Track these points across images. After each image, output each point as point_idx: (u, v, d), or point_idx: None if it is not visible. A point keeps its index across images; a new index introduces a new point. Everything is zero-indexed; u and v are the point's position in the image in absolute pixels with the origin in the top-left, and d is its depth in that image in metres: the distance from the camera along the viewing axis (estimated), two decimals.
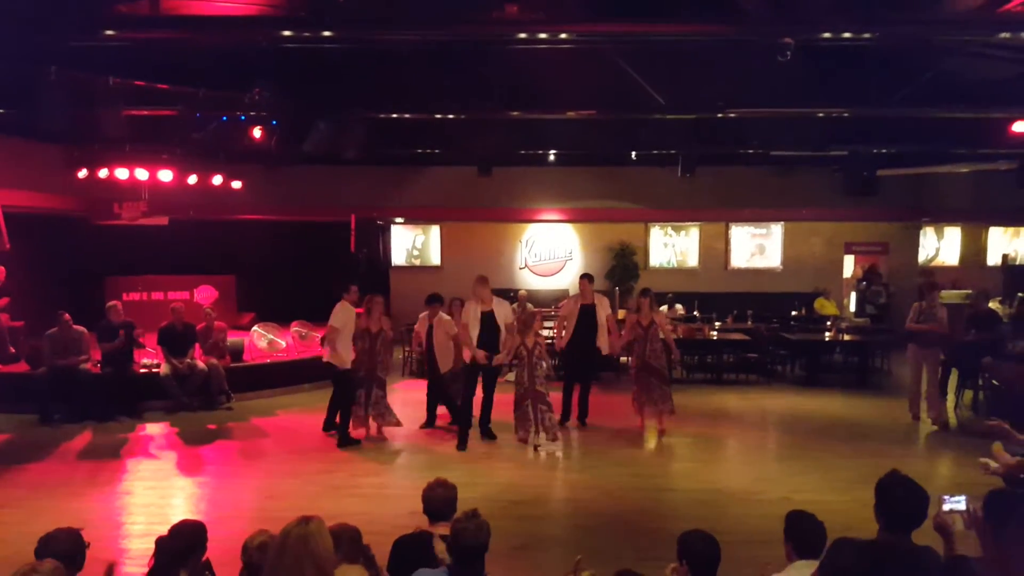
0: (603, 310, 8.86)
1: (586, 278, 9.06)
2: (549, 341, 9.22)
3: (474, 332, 8.12)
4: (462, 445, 8.07)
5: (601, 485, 6.94)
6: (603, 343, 8.85)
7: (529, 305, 13.53)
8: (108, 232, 12.84)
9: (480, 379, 8.31)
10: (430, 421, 9.00)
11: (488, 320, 8.18)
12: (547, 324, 12.84)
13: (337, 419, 8.41)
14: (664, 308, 12.82)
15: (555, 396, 8.56)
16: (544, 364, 8.20)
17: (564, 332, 8.91)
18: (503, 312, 8.32)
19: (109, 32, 6.16)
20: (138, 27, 6.40)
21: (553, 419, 8.15)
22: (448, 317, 8.77)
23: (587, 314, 8.80)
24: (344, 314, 8.22)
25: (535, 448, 8.05)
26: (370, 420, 8.42)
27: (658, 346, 8.63)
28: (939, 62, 8.16)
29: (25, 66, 7.26)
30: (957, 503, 3.13)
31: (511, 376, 9.22)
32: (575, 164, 14.90)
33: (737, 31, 6.10)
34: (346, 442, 8.15)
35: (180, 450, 8.14)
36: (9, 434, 8.58)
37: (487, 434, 8.39)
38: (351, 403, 8.27)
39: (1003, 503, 3.04)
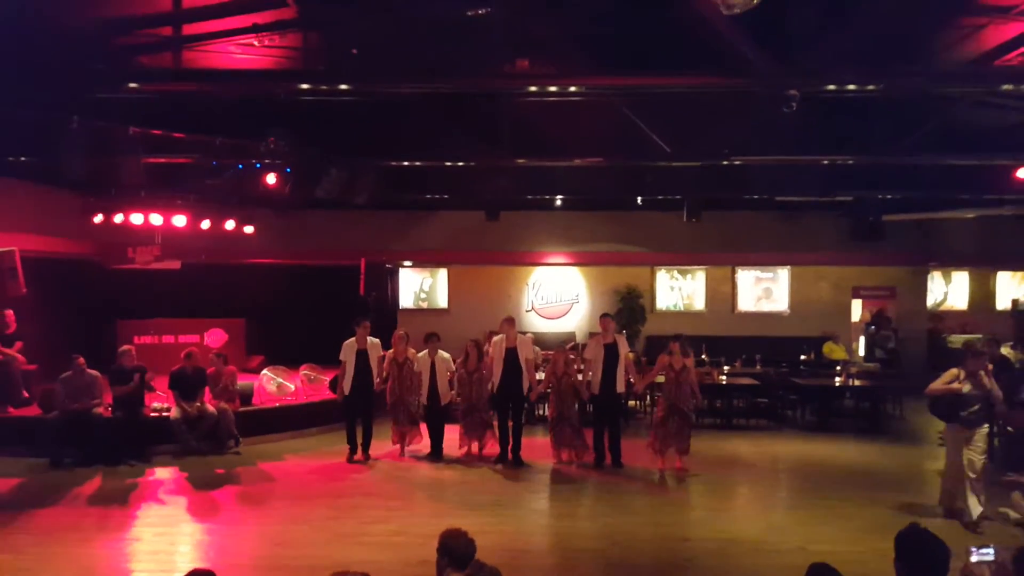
0: (623, 347, 9.06)
1: (608, 317, 9.38)
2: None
3: (498, 368, 9.13)
4: (516, 461, 9.15)
5: (611, 535, 6.87)
6: (622, 382, 9.00)
7: (537, 349, 13.57)
8: (121, 276, 13.00)
9: (510, 409, 9.16)
10: (436, 453, 9.50)
11: (510, 356, 9.10)
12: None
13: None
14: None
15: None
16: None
17: (593, 376, 9.05)
18: (526, 350, 9.18)
19: (133, 84, 6.36)
20: (161, 80, 6.61)
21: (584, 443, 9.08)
22: (447, 354, 9.65)
23: (611, 353, 8.96)
24: (347, 348, 9.32)
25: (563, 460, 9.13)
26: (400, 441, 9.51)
27: (687, 390, 8.79)
28: (944, 110, 8.29)
29: (48, 115, 7.46)
30: (985, 554, 3.08)
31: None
32: (581, 208, 15.05)
33: (743, 83, 6.24)
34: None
35: (189, 495, 8.10)
36: (20, 478, 8.55)
37: (518, 462, 9.11)
38: (349, 429, 9.39)
39: None
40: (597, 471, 8.96)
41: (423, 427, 9.61)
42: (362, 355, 9.30)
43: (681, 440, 8.81)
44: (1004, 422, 9.39)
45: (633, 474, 8.81)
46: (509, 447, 9.23)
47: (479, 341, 9.71)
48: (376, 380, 9.36)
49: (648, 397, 12.09)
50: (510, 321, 9.36)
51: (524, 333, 14.04)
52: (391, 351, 9.48)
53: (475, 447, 9.57)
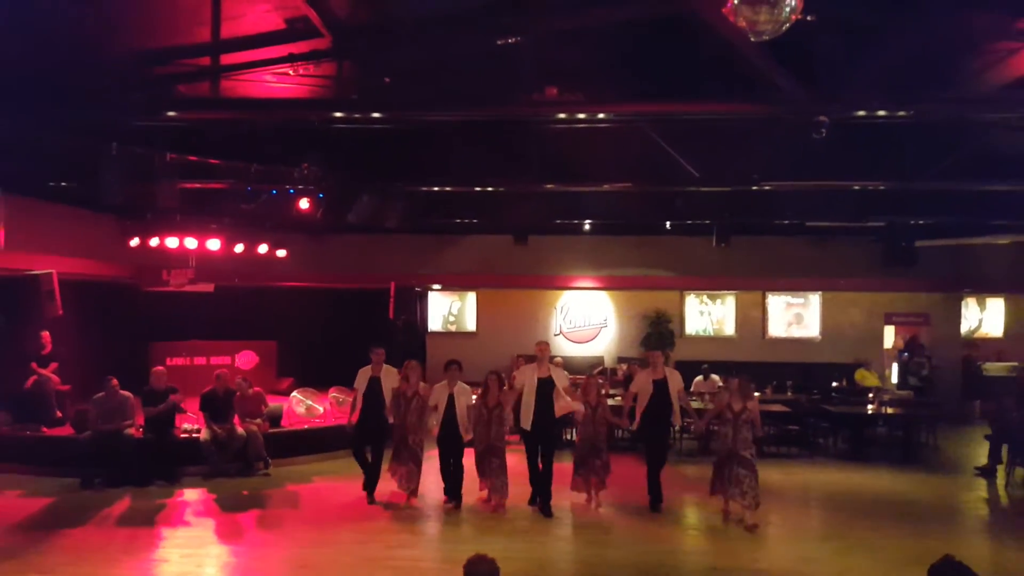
0: (675, 385, 8.54)
1: (659, 352, 9.00)
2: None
3: (530, 399, 8.24)
4: (545, 510, 8.23)
5: (639, 563, 6.77)
6: (677, 418, 8.67)
7: (565, 373, 13.51)
8: (156, 298, 13.23)
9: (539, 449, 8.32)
10: (454, 494, 8.48)
11: (544, 387, 8.27)
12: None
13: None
14: (700, 378, 12.68)
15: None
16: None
17: (636, 408, 8.57)
18: (560, 376, 8.45)
19: (171, 113, 6.55)
20: (199, 108, 6.79)
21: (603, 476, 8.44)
22: (467, 386, 8.57)
23: (661, 390, 8.47)
24: (361, 376, 8.78)
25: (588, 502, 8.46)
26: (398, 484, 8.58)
27: (747, 435, 7.94)
28: (977, 135, 8.20)
29: (88, 142, 7.69)
30: None
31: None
32: (610, 233, 15.06)
33: (772, 110, 6.25)
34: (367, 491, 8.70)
35: (216, 517, 8.16)
36: (51, 498, 8.69)
37: (547, 512, 8.19)
38: (357, 457, 8.75)
39: None
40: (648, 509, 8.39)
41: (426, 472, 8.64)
42: (374, 383, 8.64)
43: (751, 493, 7.77)
44: None
45: (669, 505, 8.56)
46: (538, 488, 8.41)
47: (500, 374, 8.64)
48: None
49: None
50: (543, 346, 8.51)
51: (553, 358, 14.14)
52: (400, 383, 8.61)
53: (495, 499, 8.33)
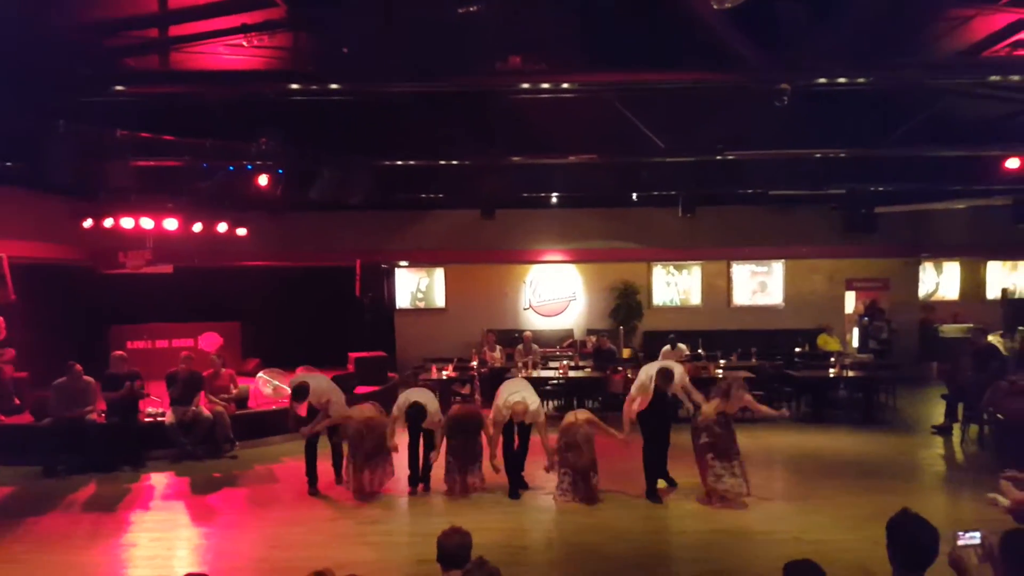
0: (678, 380, 7.88)
1: (669, 343, 8.74)
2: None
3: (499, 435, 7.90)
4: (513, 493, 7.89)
5: (611, 528, 6.88)
6: (688, 403, 8.05)
7: (535, 346, 13.58)
8: (113, 281, 12.91)
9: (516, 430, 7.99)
10: (419, 479, 8.18)
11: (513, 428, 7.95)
12: (552, 365, 12.92)
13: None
14: (667, 348, 12.79)
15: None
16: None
17: (638, 400, 7.88)
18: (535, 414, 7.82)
19: (119, 87, 6.31)
20: (148, 82, 6.56)
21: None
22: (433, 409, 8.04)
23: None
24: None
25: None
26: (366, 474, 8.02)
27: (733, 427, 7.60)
28: (933, 102, 8.32)
29: (33, 119, 7.39)
30: (972, 538, 3.17)
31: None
32: (577, 205, 15.05)
33: (735, 78, 6.25)
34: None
35: (185, 500, 8.07)
36: (12, 487, 8.50)
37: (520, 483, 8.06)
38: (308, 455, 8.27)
39: (1020, 543, 3.07)
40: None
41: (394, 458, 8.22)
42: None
43: (728, 479, 7.47)
44: (995, 410, 9.45)
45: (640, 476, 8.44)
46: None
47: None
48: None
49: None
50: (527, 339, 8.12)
51: (523, 332, 14.20)
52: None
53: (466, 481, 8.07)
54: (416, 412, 7.86)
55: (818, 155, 9.67)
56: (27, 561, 6.25)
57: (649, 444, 7.91)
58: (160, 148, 8.81)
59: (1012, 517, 4.16)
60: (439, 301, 16.44)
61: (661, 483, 8.06)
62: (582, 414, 7.92)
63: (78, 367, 9.23)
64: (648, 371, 7.88)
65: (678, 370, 7.96)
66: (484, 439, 8.07)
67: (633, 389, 8.03)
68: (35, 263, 11.54)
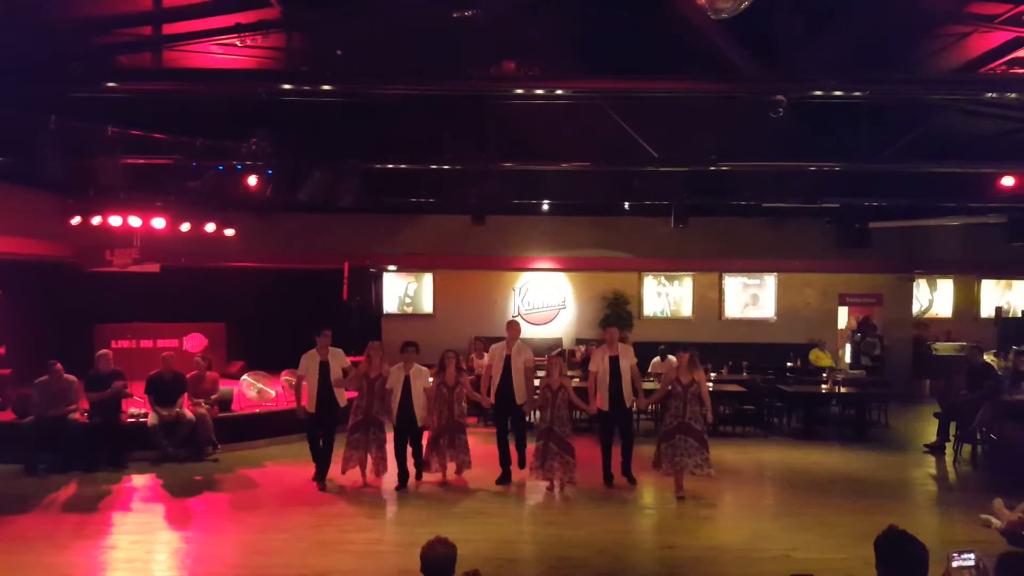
0: (627, 360, 8.40)
1: (612, 327, 8.93)
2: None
3: (497, 377, 8.50)
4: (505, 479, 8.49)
5: (597, 543, 6.78)
6: (628, 395, 8.40)
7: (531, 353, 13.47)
8: (99, 279, 12.78)
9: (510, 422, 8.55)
10: (404, 482, 8.36)
11: (508, 364, 8.50)
12: (539, 373, 12.80)
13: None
14: (657, 359, 12.75)
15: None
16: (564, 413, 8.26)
17: (600, 391, 8.38)
18: (523, 357, 8.54)
19: (111, 84, 6.24)
20: (140, 79, 6.49)
21: (570, 462, 8.13)
22: (424, 368, 8.52)
23: (616, 366, 8.37)
24: (306, 360, 8.52)
25: (549, 489, 8.24)
26: (368, 466, 8.44)
27: (697, 408, 8.01)
28: (929, 118, 8.32)
29: (25, 115, 7.31)
30: (966, 559, 3.10)
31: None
32: (569, 213, 14.99)
33: (730, 88, 6.22)
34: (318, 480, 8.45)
35: (166, 502, 7.95)
36: None
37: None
38: (312, 446, 8.56)
39: (1016, 566, 3.01)
40: (604, 487, 8.43)
41: (390, 455, 8.41)
42: (324, 367, 8.41)
43: (704, 464, 7.93)
44: (987, 430, 9.42)
45: (622, 486, 8.59)
46: (513, 463, 8.60)
47: (457, 353, 8.71)
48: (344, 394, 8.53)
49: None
50: (513, 326, 8.77)
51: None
52: (363, 364, 8.46)
53: (450, 468, 8.43)
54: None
55: (812, 168, 9.66)
56: (6, 562, 6.11)
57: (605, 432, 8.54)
58: (150, 146, 8.75)
59: (1005, 538, 4.11)
60: (427, 307, 16.33)
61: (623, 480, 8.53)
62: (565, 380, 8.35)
63: (59, 366, 9.12)
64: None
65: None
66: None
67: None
68: (20, 259, 11.41)
